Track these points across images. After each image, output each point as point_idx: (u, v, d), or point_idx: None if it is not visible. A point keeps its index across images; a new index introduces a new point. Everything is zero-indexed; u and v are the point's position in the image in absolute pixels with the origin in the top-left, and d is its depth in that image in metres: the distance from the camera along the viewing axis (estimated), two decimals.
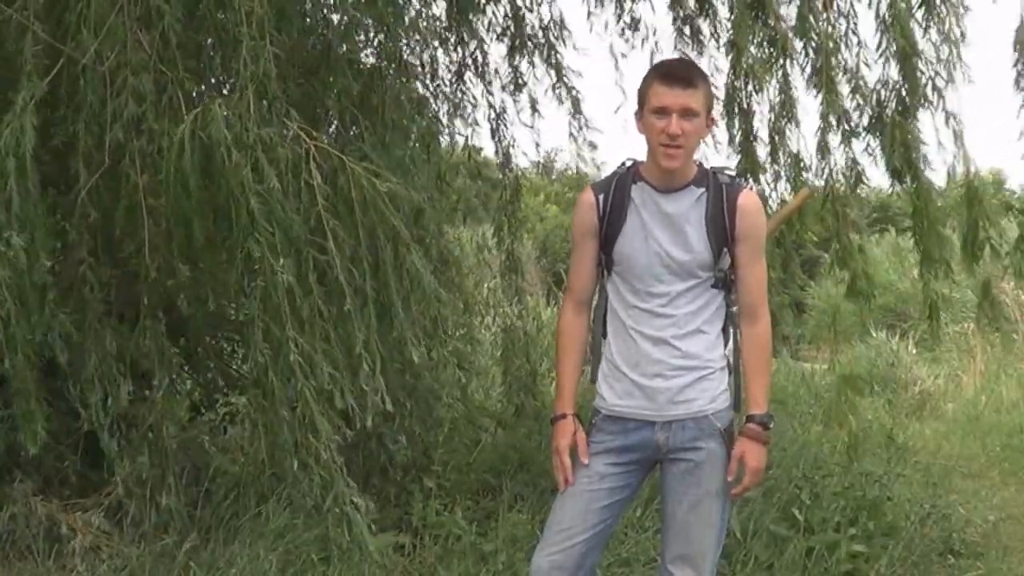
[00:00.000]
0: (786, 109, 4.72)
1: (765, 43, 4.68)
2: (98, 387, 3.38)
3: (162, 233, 3.11)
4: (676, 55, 5.04)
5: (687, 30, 5.20)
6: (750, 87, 4.86)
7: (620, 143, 3.35)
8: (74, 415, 3.63)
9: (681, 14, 5.17)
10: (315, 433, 2.98)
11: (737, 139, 4.96)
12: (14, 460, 3.66)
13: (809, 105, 4.63)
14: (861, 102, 4.43)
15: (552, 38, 5.25)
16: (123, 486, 3.58)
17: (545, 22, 5.25)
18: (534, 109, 5.31)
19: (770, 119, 4.82)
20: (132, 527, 3.62)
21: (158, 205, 3.06)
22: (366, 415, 3.06)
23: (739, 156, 4.92)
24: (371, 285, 3.12)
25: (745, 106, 4.93)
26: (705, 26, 5.16)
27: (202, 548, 3.61)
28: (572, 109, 5.30)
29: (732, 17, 4.69)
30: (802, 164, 4.70)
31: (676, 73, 2.53)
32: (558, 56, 5.27)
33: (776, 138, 4.82)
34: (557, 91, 5.28)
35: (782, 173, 4.84)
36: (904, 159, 4.37)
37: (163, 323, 3.52)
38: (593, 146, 5.35)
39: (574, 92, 5.29)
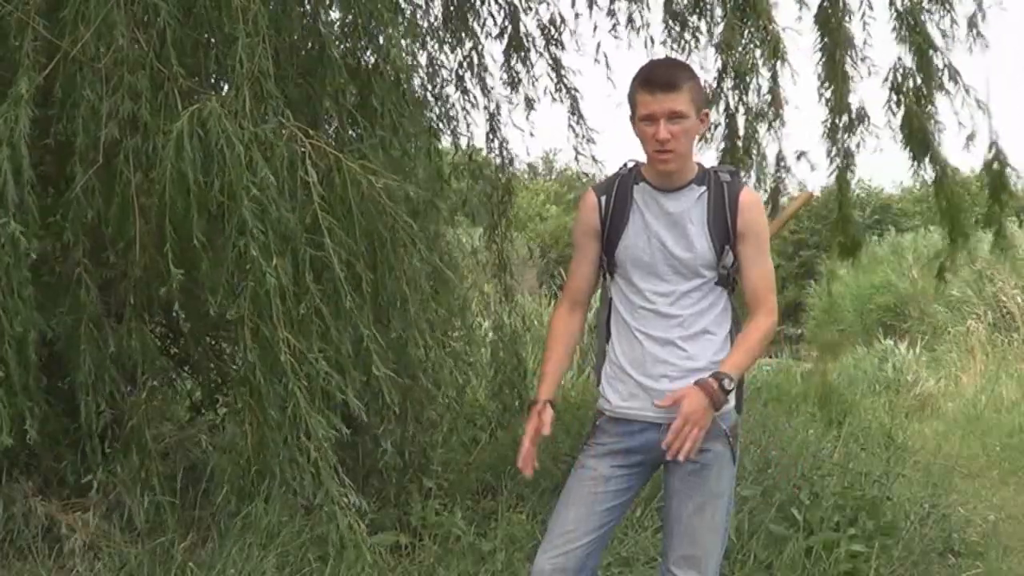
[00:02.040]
0: (775, 108, 4.81)
1: (755, 44, 4.75)
2: (92, 387, 3.36)
3: (153, 232, 3.08)
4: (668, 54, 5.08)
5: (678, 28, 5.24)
6: (739, 86, 4.95)
7: (617, 141, 3.37)
8: (73, 415, 3.61)
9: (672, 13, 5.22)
10: (306, 432, 2.96)
11: (722, 137, 5.06)
12: (13, 460, 3.64)
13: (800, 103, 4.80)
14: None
15: (551, 36, 5.24)
16: (120, 486, 3.57)
17: (543, 21, 5.26)
18: (530, 107, 5.30)
19: (755, 117, 4.92)
20: (131, 526, 3.61)
21: (150, 204, 3.03)
22: (363, 414, 3.04)
23: (721, 154, 5.01)
24: (368, 283, 3.10)
25: (732, 105, 5.01)
26: (702, 24, 5.19)
27: (200, 547, 3.60)
28: (571, 108, 5.28)
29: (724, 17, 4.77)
30: (783, 163, 4.85)
31: (658, 79, 2.48)
32: (556, 55, 5.26)
33: (761, 136, 4.93)
34: (558, 91, 5.28)
35: (772, 171, 4.98)
36: (921, 142, 4.60)
37: (159, 323, 3.50)
38: (592, 141, 5.28)
39: (573, 91, 5.27)
